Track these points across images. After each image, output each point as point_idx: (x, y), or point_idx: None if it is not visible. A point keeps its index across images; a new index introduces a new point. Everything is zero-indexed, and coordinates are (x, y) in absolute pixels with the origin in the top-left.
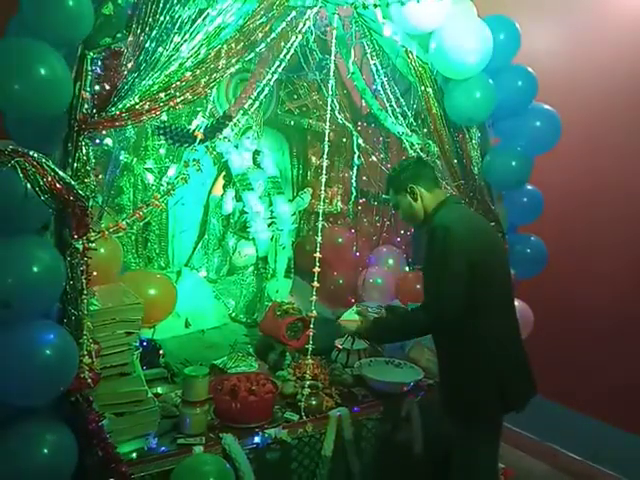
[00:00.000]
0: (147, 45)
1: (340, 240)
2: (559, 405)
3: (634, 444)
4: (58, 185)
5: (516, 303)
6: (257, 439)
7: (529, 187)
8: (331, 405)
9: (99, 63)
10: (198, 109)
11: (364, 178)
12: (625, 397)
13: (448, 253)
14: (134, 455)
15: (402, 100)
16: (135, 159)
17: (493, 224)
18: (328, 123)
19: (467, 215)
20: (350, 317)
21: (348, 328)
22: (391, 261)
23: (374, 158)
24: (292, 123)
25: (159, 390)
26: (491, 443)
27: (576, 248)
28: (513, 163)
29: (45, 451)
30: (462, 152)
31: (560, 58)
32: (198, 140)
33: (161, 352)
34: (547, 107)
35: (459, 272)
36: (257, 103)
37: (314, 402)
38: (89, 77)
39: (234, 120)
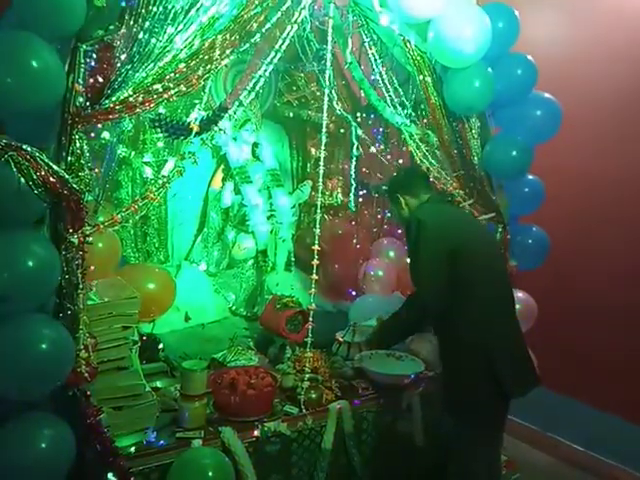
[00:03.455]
0: (140, 37)
1: (340, 232)
2: (561, 396)
3: (637, 434)
4: (52, 179)
5: (519, 294)
6: (256, 432)
7: (530, 177)
8: (331, 398)
9: (92, 56)
10: (195, 101)
11: (364, 170)
12: (627, 387)
13: (422, 243)
14: (132, 449)
15: (401, 90)
16: (133, 153)
17: (493, 215)
18: (325, 114)
19: (445, 209)
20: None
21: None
22: (392, 253)
23: (373, 149)
24: (291, 115)
25: (159, 384)
26: (491, 439)
27: (578, 238)
28: (513, 153)
29: (43, 445)
30: (462, 142)
31: (560, 45)
32: (194, 132)
33: (161, 346)
34: (547, 95)
35: (432, 260)
36: (253, 94)
37: (314, 395)
38: (82, 70)
39: (230, 112)
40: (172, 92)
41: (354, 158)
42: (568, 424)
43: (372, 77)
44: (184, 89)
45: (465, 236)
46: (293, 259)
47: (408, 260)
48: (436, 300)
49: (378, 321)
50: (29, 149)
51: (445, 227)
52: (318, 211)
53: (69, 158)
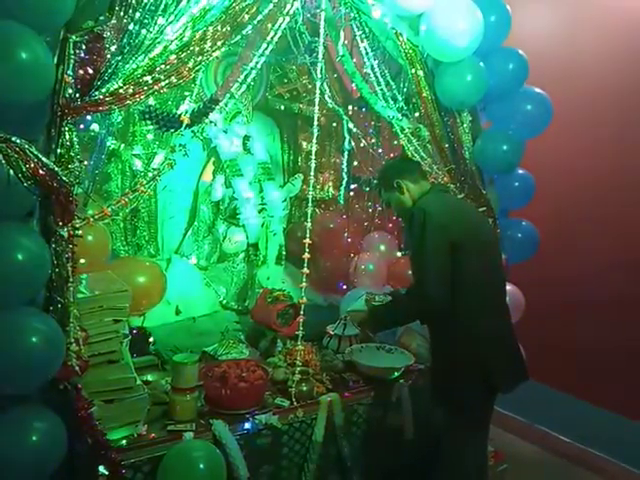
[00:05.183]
0: (130, 28)
1: (331, 226)
2: (548, 387)
3: (622, 426)
4: (41, 171)
5: (507, 287)
6: (247, 425)
7: (520, 171)
8: (322, 391)
9: (82, 47)
10: (186, 93)
11: (355, 163)
12: (614, 379)
13: (426, 234)
14: (124, 442)
15: (392, 83)
16: (123, 145)
17: (484, 209)
18: (317, 107)
19: (448, 200)
20: (359, 307)
21: (356, 319)
22: (383, 247)
23: (365, 143)
24: (282, 108)
25: (149, 377)
26: (478, 431)
27: (567, 232)
28: (504, 147)
29: (34, 439)
30: (453, 136)
31: (551, 40)
32: (185, 125)
33: (151, 340)
34: (538, 90)
35: (439, 252)
36: (244, 87)
37: (305, 388)
38: (72, 61)
39: (221, 104)
40: (162, 84)
41: (346, 152)
42: (555, 416)
43: (364, 70)
44: (175, 81)
45: (467, 230)
46: (284, 253)
47: (399, 253)
48: (441, 294)
49: (366, 302)
50: (18, 141)
51: (449, 219)
52: (310, 205)
53: (59, 150)
